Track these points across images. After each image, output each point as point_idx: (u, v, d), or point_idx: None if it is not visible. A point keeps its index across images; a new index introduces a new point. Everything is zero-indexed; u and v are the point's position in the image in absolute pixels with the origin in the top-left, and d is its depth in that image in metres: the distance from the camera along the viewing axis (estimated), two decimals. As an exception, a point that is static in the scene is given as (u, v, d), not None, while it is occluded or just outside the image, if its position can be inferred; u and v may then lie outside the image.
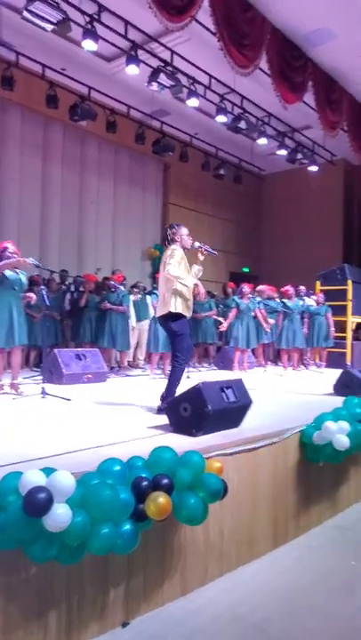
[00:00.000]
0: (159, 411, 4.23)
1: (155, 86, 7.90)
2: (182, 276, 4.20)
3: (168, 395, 4.22)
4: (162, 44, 8.03)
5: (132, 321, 8.69)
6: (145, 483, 2.37)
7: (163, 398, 4.30)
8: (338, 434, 3.72)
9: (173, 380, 4.31)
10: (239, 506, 3.21)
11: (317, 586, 3.04)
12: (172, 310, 4.21)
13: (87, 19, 6.84)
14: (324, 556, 3.47)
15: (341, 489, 4.33)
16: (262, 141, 10.25)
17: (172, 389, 4.26)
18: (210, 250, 4.51)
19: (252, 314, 8.59)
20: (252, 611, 2.72)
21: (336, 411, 4.12)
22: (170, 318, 4.27)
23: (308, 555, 3.49)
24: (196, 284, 4.46)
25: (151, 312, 7.94)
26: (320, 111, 9.23)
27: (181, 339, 4.28)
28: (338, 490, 4.28)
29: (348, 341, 10.22)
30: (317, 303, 9.67)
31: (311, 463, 3.87)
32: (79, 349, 6.99)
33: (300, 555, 3.48)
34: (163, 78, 7.79)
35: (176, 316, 4.25)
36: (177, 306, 4.22)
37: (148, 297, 8.76)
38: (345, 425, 3.80)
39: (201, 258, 4.45)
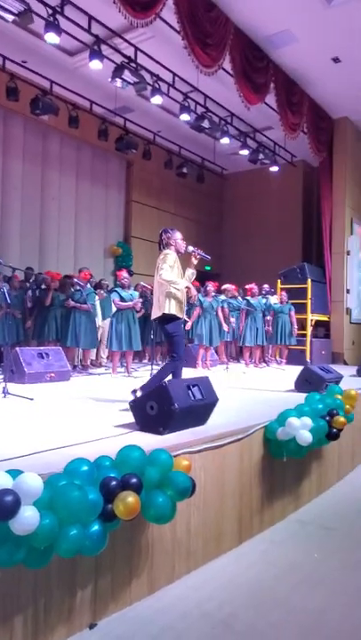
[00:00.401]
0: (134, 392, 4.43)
1: (118, 82, 7.80)
2: (174, 279, 4.35)
3: (149, 386, 4.26)
4: (126, 41, 7.95)
5: (99, 319, 8.61)
6: (114, 482, 2.35)
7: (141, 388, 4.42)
8: (301, 429, 3.80)
9: (161, 374, 4.38)
10: (206, 503, 3.23)
11: (281, 580, 3.10)
12: (166, 312, 4.37)
13: (50, 11, 6.69)
14: (288, 551, 3.53)
15: (304, 483, 4.43)
16: (225, 141, 10.29)
17: (154, 382, 4.31)
18: (203, 254, 4.65)
19: (215, 312, 8.69)
20: (220, 606, 2.74)
21: (299, 407, 4.22)
22: (164, 320, 4.41)
23: (272, 549, 3.55)
24: (188, 287, 4.64)
25: (113, 309, 7.86)
26: (281, 113, 9.37)
27: (178, 339, 4.42)
28: (300, 484, 4.38)
29: (308, 339, 10.46)
30: (281, 302, 9.84)
31: (275, 459, 3.94)
32: (41, 348, 6.86)
33: (265, 549, 3.54)
34: (127, 75, 7.70)
35: (170, 318, 4.39)
36: (170, 308, 4.37)
37: (110, 294, 8.68)
38: (308, 421, 3.89)
39: (194, 262, 4.61)
